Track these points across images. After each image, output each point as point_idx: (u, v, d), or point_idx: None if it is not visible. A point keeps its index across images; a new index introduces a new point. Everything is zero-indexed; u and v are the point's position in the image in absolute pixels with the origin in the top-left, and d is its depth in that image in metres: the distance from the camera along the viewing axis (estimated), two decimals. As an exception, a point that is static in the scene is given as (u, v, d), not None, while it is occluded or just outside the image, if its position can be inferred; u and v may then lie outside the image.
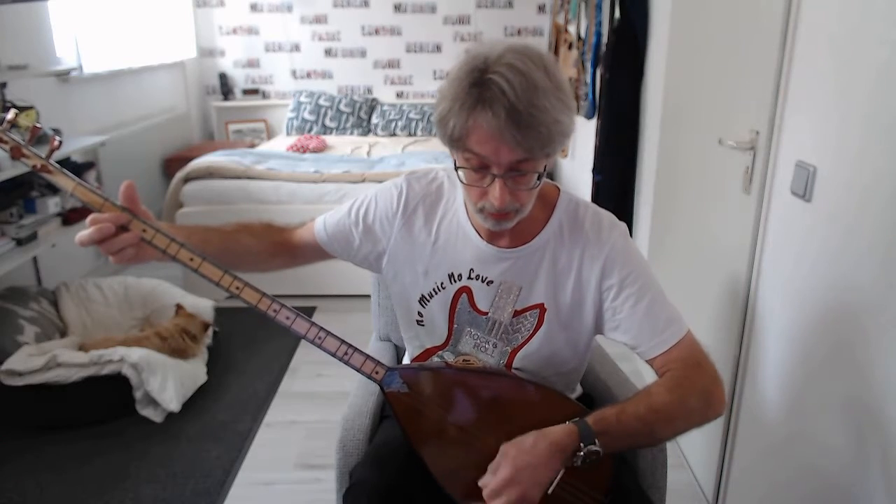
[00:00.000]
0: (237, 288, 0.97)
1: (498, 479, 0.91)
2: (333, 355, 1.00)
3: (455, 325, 1.14)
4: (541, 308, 1.10)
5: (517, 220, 1.01)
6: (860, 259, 1.18)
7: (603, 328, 1.10)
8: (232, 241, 1.13)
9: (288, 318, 0.98)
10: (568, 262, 1.08)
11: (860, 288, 1.18)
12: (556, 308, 1.10)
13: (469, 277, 1.11)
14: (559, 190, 1.13)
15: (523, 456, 0.91)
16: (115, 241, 0.92)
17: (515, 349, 1.12)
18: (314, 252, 1.21)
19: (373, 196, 1.18)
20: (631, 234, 3.02)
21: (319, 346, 0.99)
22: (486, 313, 1.12)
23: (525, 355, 1.12)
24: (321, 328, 0.99)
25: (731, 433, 1.73)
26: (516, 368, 1.13)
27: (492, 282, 1.10)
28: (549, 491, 0.99)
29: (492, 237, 1.10)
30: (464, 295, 1.12)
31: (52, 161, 0.94)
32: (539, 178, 0.97)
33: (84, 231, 0.91)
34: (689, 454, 2.05)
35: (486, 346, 1.13)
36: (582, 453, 0.92)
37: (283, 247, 1.20)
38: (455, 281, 1.12)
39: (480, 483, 0.94)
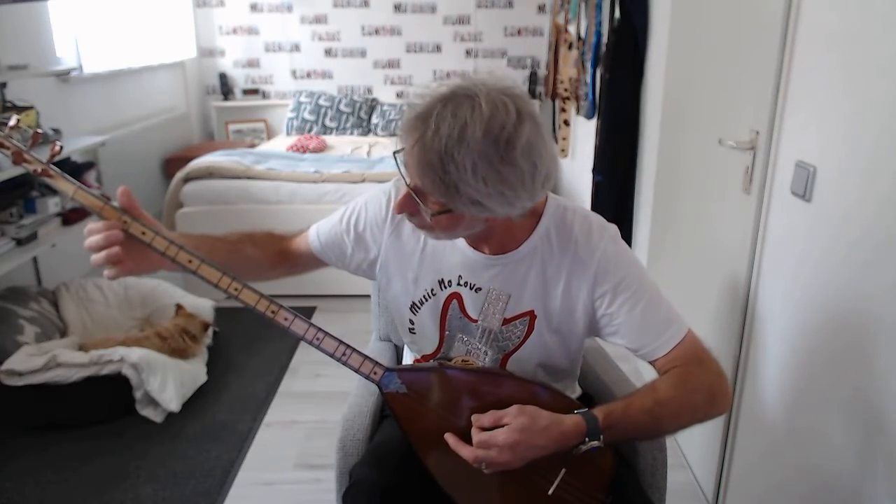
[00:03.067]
0: (236, 289, 0.97)
1: (497, 437, 0.92)
2: (332, 356, 1.00)
3: (447, 332, 1.14)
4: (530, 315, 1.09)
5: (439, 238, 1.04)
6: (860, 259, 1.18)
7: (601, 333, 1.10)
8: (236, 253, 1.14)
9: (286, 319, 0.98)
10: (557, 269, 1.07)
11: (860, 288, 1.18)
12: (546, 315, 1.09)
13: (458, 284, 1.11)
14: (546, 196, 1.10)
15: (532, 432, 0.92)
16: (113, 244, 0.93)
17: (507, 354, 1.12)
18: (311, 261, 1.22)
19: (363, 203, 1.18)
20: (631, 235, 3.01)
21: (318, 347, 0.99)
22: (477, 321, 1.12)
23: (517, 360, 1.12)
24: (319, 329, 0.99)
25: (731, 433, 1.73)
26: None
27: (480, 289, 1.10)
28: (550, 492, 0.99)
29: (475, 245, 1.09)
30: (454, 301, 1.12)
31: (52, 165, 0.94)
32: (434, 216, 0.94)
33: (92, 238, 0.92)
34: (689, 454, 2.05)
35: (478, 352, 1.14)
36: (584, 447, 0.93)
37: (282, 256, 1.21)
38: (445, 287, 1.12)
39: (474, 419, 0.95)
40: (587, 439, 0.93)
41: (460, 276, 1.11)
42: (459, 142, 0.85)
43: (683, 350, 1.03)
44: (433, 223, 0.97)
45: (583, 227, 1.07)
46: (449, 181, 0.88)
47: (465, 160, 0.86)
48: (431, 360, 1.19)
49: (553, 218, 1.08)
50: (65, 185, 0.94)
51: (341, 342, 1.01)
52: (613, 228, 1.09)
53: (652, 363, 1.05)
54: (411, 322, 1.17)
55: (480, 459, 0.92)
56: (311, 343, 0.99)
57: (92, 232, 0.93)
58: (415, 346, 1.22)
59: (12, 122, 0.94)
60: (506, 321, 1.10)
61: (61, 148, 0.96)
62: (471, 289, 1.11)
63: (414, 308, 1.15)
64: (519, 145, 0.87)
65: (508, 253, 1.08)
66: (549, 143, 0.92)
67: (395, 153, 0.96)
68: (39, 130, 0.98)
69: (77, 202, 0.95)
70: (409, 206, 0.97)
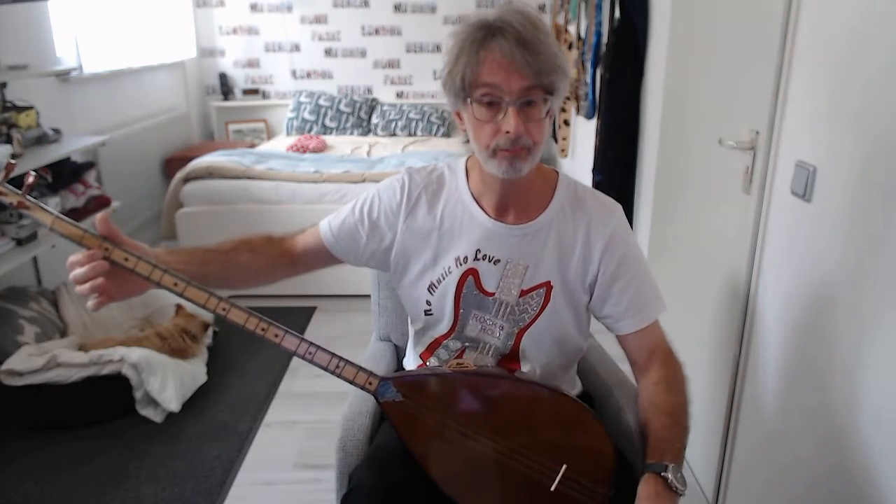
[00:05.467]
0: (223, 309, 0.96)
1: None
2: (325, 369, 0.99)
3: (461, 310, 1.15)
4: (547, 286, 1.12)
5: (530, 163, 1.03)
6: (860, 259, 1.18)
7: (592, 302, 1.16)
8: (231, 262, 1.13)
9: (277, 335, 0.97)
10: (573, 237, 1.12)
11: (860, 287, 1.18)
12: (563, 285, 1.13)
13: (476, 258, 1.13)
14: (558, 173, 1.18)
15: None
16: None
17: (522, 329, 1.14)
18: (318, 257, 1.21)
19: (375, 192, 1.19)
20: (631, 234, 2.96)
21: (311, 361, 0.99)
22: (493, 294, 1.13)
23: (532, 335, 1.14)
24: (311, 343, 0.99)
25: (730, 433, 1.73)
26: (522, 349, 1.16)
27: (499, 261, 1.12)
28: (553, 488, 0.99)
29: (499, 213, 1.12)
30: (470, 277, 1.13)
31: (28, 196, 0.93)
32: (547, 112, 1.01)
33: (77, 271, 0.92)
34: (689, 454, 2.05)
35: (493, 328, 1.15)
36: (671, 479, 0.97)
37: (283, 258, 1.20)
38: (461, 264, 1.14)
39: None
40: (670, 476, 0.97)
41: (478, 251, 1.13)
42: (534, 25, 0.97)
43: (649, 337, 1.14)
44: (541, 130, 1.02)
45: (595, 199, 1.16)
46: (546, 57, 0.97)
47: (543, 37, 0.97)
48: (441, 346, 1.20)
49: (566, 191, 1.16)
50: (43, 215, 0.93)
51: (334, 355, 1.00)
52: (620, 208, 1.17)
53: (623, 338, 1.15)
54: (428, 304, 1.17)
55: None
56: (303, 357, 0.99)
57: (74, 265, 0.93)
58: (428, 331, 1.21)
59: None
60: (523, 293, 1.13)
61: (37, 177, 0.93)
62: (489, 261, 1.13)
63: (432, 288, 1.16)
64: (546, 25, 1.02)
65: (528, 223, 1.12)
66: None
67: (470, 103, 1.00)
68: (13, 161, 0.96)
69: (56, 233, 0.93)
70: (521, 121, 0.99)
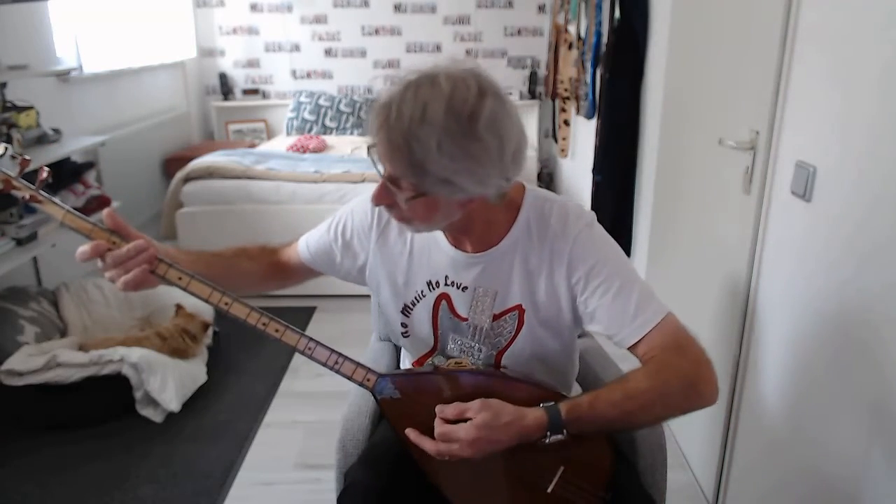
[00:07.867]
0: (226, 304, 0.99)
1: (458, 432, 0.93)
2: (324, 365, 1.01)
3: (440, 332, 1.15)
4: (519, 309, 1.09)
5: (419, 230, 1.04)
6: (860, 259, 1.18)
7: (581, 321, 1.10)
8: (232, 268, 1.16)
9: (277, 330, 0.99)
10: (539, 260, 1.07)
11: (860, 287, 1.18)
12: (534, 307, 1.09)
13: (446, 284, 1.12)
14: (525, 188, 1.10)
15: (493, 429, 0.92)
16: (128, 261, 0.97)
17: (500, 351, 1.13)
18: (303, 271, 1.23)
19: (349, 211, 1.19)
20: (630, 234, 2.99)
21: (310, 357, 1.00)
22: (467, 319, 1.12)
23: (511, 356, 1.12)
24: (311, 338, 1.00)
25: (731, 433, 1.73)
26: (503, 367, 1.14)
27: (466, 287, 1.10)
28: (549, 490, 0.99)
29: (457, 242, 1.10)
30: (444, 301, 1.13)
31: (41, 191, 0.96)
32: (409, 201, 0.93)
33: (84, 247, 0.96)
34: (689, 454, 2.05)
35: (472, 350, 1.14)
36: (547, 440, 0.94)
37: (275, 268, 1.22)
38: (434, 288, 1.13)
39: (438, 409, 0.96)
40: (549, 433, 0.94)
41: (447, 276, 1.11)
42: (422, 121, 0.86)
43: (661, 336, 0.99)
44: (409, 212, 0.96)
45: (560, 216, 1.06)
46: (416, 161, 0.88)
47: (429, 138, 0.86)
48: (427, 363, 1.19)
49: (531, 210, 1.08)
50: (54, 209, 0.97)
51: (333, 351, 1.01)
52: (590, 215, 1.08)
53: (631, 350, 1.03)
54: (403, 325, 1.17)
55: (443, 454, 0.94)
56: (303, 353, 1.00)
57: (84, 254, 0.97)
58: (411, 349, 1.22)
59: (0, 151, 0.96)
60: (495, 317, 1.10)
61: (49, 174, 0.97)
62: (458, 288, 1.11)
63: (406, 311, 1.16)
64: (482, 119, 0.87)
65: (490, 250, 1.08)
66: (515, 118, 0.93)
67: (369, 148, 0.95)
68: (27, 157, 0.99)
69: (67, 226, 0.97)
70: (385, 196, 0.96)
